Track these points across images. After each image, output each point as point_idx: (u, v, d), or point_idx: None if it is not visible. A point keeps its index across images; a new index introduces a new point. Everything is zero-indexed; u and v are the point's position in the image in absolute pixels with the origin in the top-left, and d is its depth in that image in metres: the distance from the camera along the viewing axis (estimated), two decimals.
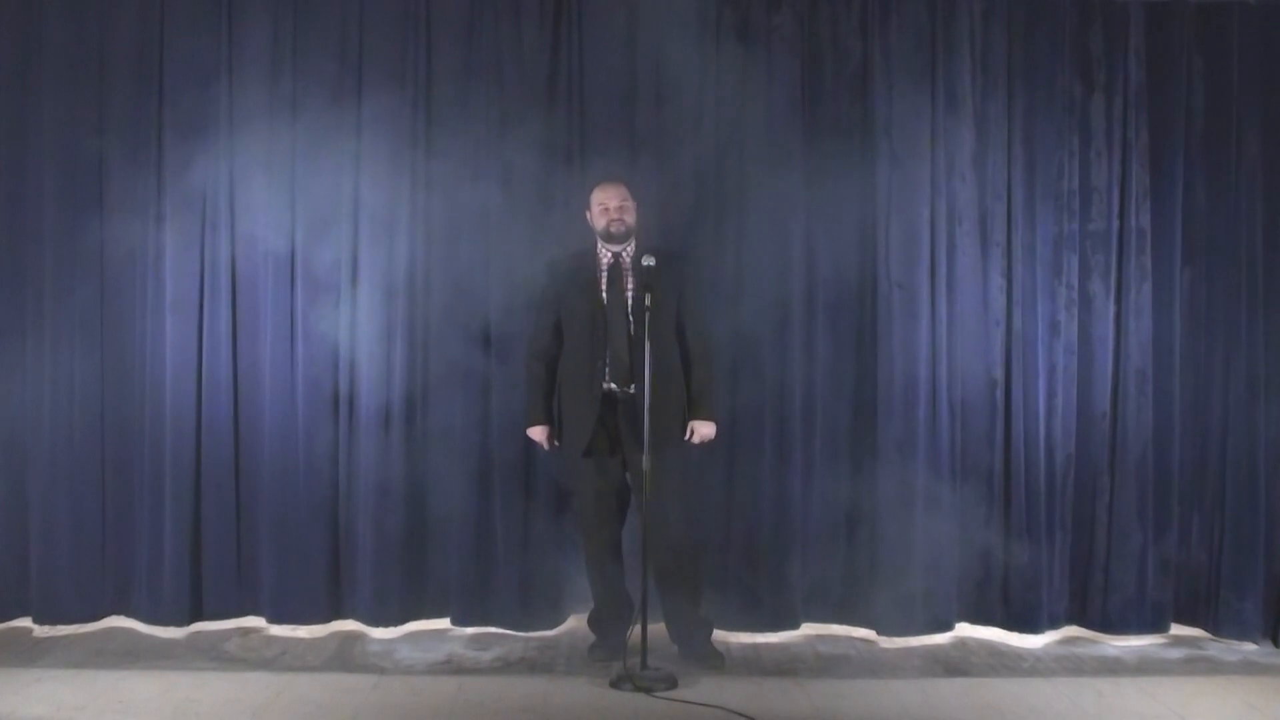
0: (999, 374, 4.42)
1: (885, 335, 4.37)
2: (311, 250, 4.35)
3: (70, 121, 4.32)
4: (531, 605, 4.34)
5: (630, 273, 3.97)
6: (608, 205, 3.97)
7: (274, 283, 4.36)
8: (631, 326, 3.91)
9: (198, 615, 4.34)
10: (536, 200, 4.33)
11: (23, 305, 4.36)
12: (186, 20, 4.35)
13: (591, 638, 4.11)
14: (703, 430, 3.99)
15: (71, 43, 4.34)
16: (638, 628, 3.73)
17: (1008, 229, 4.43)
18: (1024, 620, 4.35)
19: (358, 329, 4.35)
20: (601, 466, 3.96)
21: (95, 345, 4.36)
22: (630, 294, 3.94)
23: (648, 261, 3.87)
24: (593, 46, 4.39)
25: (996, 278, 4.43)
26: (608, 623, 4.06)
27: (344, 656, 4.09)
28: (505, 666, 4.00)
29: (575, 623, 4.36)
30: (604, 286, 3.95)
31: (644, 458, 3.70)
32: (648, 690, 3.63)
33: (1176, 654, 4.27)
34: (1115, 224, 4.43)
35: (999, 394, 4.41)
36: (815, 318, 4.41)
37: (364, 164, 4.35)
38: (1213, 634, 4.41)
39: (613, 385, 3.91)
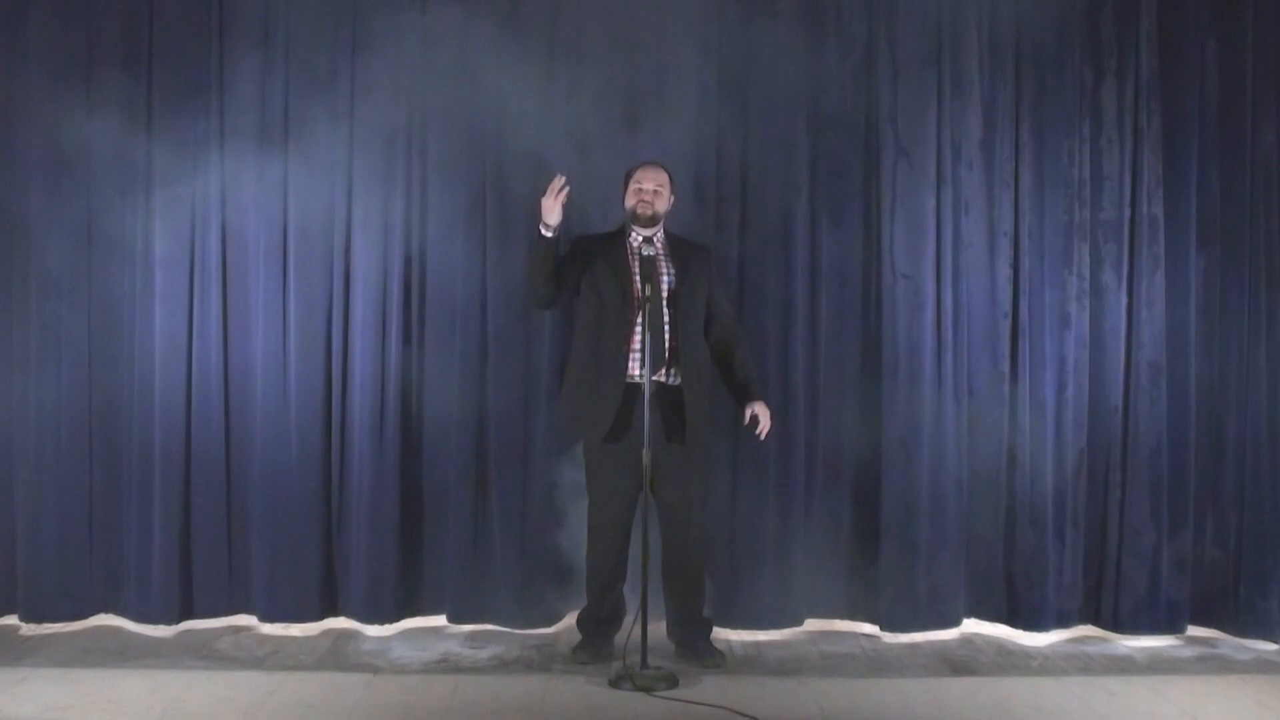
0: (1006, 367, 4.36)
1: (890, 327, 4.32)
2: (304, 241, 4.30)
3: (58, 110, 4.24)
4: (529, 602, 4.28)
5: (665, 260, 3.90)
6: (642, 186, 3.91)
7: (265, 274, 4.31)
8: (666, 315, 3.82)
9: (188, 613, 4.29)
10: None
11: (9, 298, 4.30)
12: (177, 12, 4.31)
13: (578, 636, 4.01)
14: (766, 414, 3.90)
15: (59, 31, 4.27)
16: (634, 628, 3.64)
17: (1015, 218, 4.38)
18: (1032, 618, 4.29)
19: (351, 321, 4.31)
20: (618, 459, 3.83)
21: (82, 337, 4.29)
22: (667, 281, 3.85)
23: (648, 251, 3.80)
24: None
25: (1004, 268, 4.37)
26: (596, 626, 3.97)
27: (337, 655, 4.04)
28: (502, 665, 3.94)
29: (573, 621, 4.27)
30: (636, 271, 3.84)
31: (644, 452, 3.64)
32: (648, 690, 3.56)
33: (1189, 653, 4.21)
34: (1127, 212, 4.37)
35: (1006, 387, 4.35)
36: (819, 309, 4.36)
37: (358, 158, 4.29)
38: (1234, 634, 4.31)
39: (639, 375, 3.77)
